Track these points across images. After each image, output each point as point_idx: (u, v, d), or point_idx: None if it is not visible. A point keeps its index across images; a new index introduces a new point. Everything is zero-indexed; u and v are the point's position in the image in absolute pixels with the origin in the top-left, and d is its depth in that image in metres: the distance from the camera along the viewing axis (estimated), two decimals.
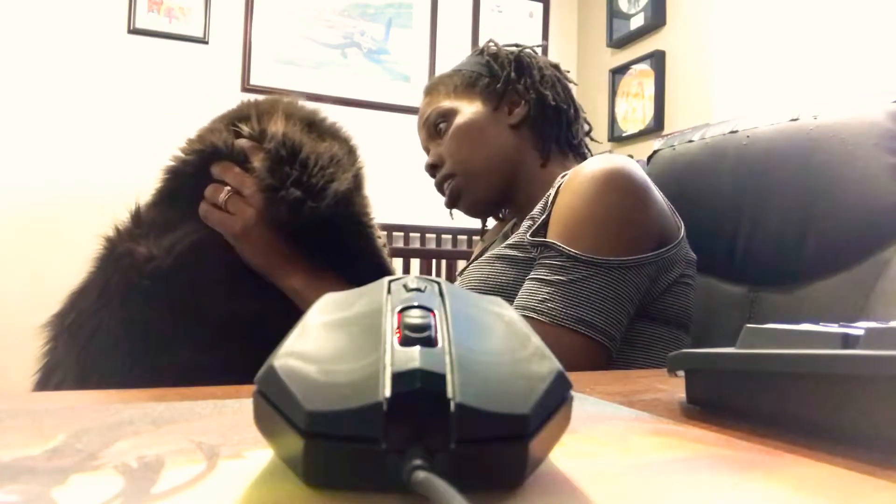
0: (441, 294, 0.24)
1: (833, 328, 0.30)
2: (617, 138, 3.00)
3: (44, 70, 2.49)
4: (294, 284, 0.68)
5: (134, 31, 2.61)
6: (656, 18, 2.81)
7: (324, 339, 0.22)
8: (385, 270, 0.73)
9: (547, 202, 0.80)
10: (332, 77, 2.84)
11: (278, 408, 0.20)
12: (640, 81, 2.91)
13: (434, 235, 2.92)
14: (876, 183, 0.78)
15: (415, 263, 2.49)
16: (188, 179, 0.69)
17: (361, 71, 2.95)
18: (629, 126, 2.93)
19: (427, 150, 0.99)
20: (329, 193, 0.66)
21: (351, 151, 0.74)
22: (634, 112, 2.92)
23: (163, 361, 0.60)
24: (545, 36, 3.22)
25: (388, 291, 0.24)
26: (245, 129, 0.70)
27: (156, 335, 0.61)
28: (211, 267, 0.67)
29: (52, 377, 0.64)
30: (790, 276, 0.86)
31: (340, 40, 2.92)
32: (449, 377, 0.20)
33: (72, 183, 2.49)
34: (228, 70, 2.76)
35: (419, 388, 0.19)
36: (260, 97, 0.78)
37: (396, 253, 2.32)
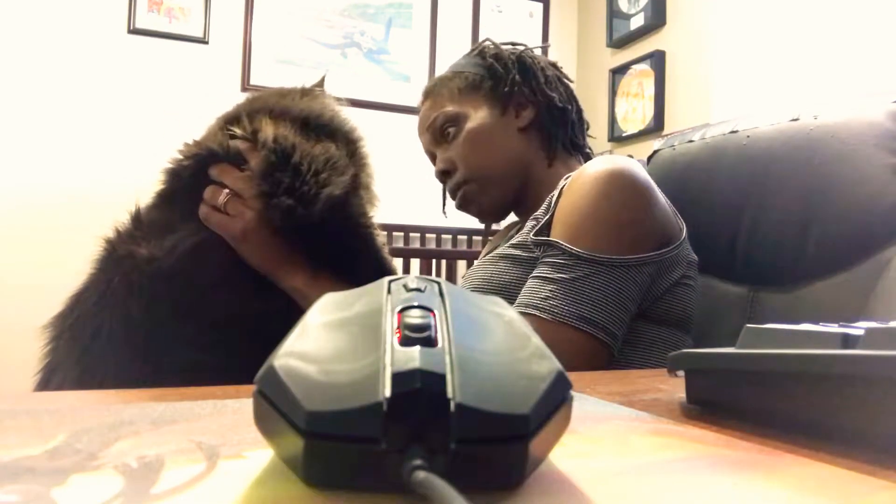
0: (441, 294, 0.24)
1: (833, 328, 0.30)
2: (617, 138, 3.00)
3: (44, 70, 2.49)
4: (295, 284, 0.68)
5: (134, 31, 2.61)
6: (656, 18, 2.81)
7: (324, 339, 0.22)
8: (385, 270, 0.73)
9: (550, 203, 0.81)
10: (333, 77, 2.84)
11: (278, 408, 0.20)
12: (640, 81, 2.91)
13: (434, 235, 2.92)
14: (876, 183, 0.78)
15: (415, 263, 2.49)
16: (187, 182, 0.69)
17: (361, 71, 2.95)
18: (629, 126, 2.93)
19: (430, 154, 0.99)
20: (321, 199, 0.66)
21: (353, 150, 0.74)
22: (634, 112, 2.92)
23: (164, 362, 0.60)
24: (545, 36, 3.22)
25: (388, 291, 0.24)
26: (237, 130, 0.70)
27: (157, 336, 0.62)
28: (212, 268, 0.67)
29: (54, 378, 0.64)
30: (790, 276, 0.86)
31: (340, 40, 2.92)
32: (449, 377, 0.20)
33: (72, 183, 2.49)
34: (228, 70, 2.76)
35: (419, 388, 0.19)
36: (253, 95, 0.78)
37: (396, 253, 2.32)
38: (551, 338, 0.67)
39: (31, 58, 2.48)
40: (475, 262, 0.98)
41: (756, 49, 2.52)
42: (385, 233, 0.77)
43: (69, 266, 0.74)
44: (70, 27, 2.52)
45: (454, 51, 3.17)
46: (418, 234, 2.88)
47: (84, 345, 0.62)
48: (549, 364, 0.22)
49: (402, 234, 2.80)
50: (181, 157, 0.71)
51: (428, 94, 0.99)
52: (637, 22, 2.93)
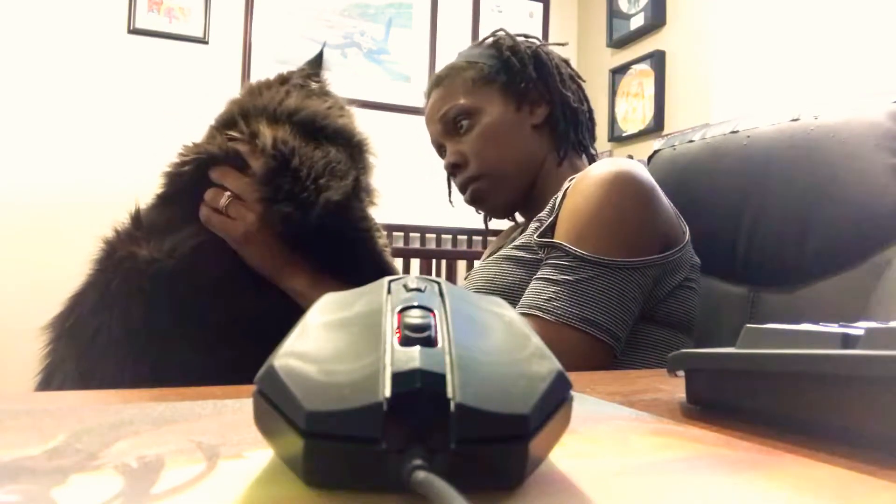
0: (441, 294, 0.24)
1: (833, 328, 0.30)
2: (617, 138, 3.00)
3: (44, 70, 2.49)
4: (297, 286, 0.68)
5: (134, 31, 2.62)
6: (656, 18, 2.81)
7: (324, 339, 0.22)
8: (387, 273, 0.73)
9: (554, 204, 0.81)
10: (333, 77, 2.84)
11: (278, 408, 0.20)
12: (640, 81, 2.91)
13: (434, 235, 2.92)
14: (876, 183, 0.78)
15: (415, 263, 2.49)
16: (187, 184, 0.69)
17: (361, 71, 2.95)
18: (629, 126, 2.94)
19: (438, 146, 0.98)
20: (320, 204, 0.66)
21: (355, 154, 0.73)
22: (634, 112, 2.92)
23: (164, 363, 0.60)
24: (545, 36, 3.22)
25: (388, 291, 0.24)
26: (236, 134, 0.70)
27: (157, 337, 0.62)
28: (212, 269, 0.67)
29: (54, 379, 0.64)
30: (790, 276, 0.85)
31: (340, 40, 2.92)
32: (449, 377, 0.20)
33: (72, 183, 2.49)
34: (228, 70, 2.76)
35: (419, 388, 0.19)
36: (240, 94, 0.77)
37: (396, 253, 2.32)
38: (554, 339, 0.68)
39: (32, 58, 2.48)
40: (477, 263, 0.98)
41: (756, 49, 2.52)
42: (385, 233, 0.77)
43: (69, 266, 0.74)
44: (70, 27, 2.52)
45: (454, 51, 3.17)
46: (418, 234, 2.88)
47: (84, 345, 0.62)
48: (548, 364, 0.22)
49: (402, 234, 2.80)
50: (181, 160, 0.71)
51: (439, 82, 0.96)
52: (637, 22, 2.93)
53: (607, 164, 0.78)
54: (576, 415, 0.24)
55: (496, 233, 1.16)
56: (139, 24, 2.62)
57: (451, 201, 1.06)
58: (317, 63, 0.83)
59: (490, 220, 1.05)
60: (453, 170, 0.94)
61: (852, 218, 0.80)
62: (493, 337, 0.23)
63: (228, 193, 0.68)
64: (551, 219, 0.79)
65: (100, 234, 0.68)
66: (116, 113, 2.57)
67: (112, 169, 2.52)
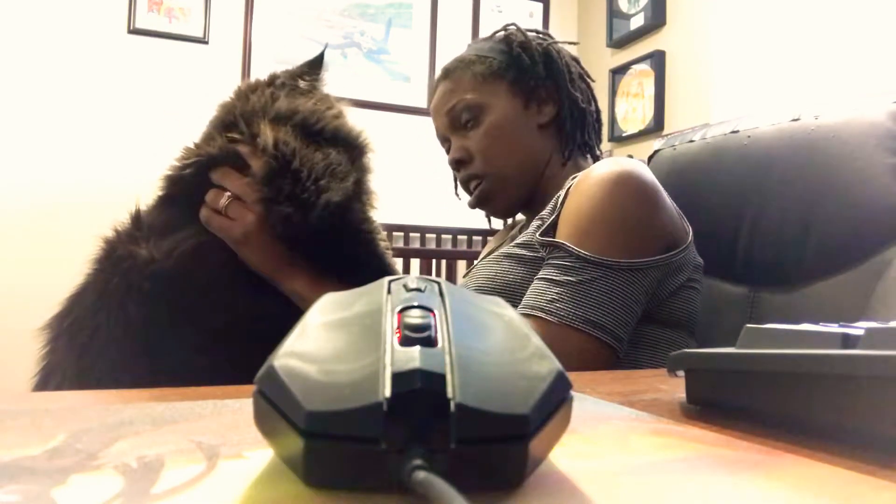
0: (441, 294, 0.24)
1: (833, 328, 0.30)
2: (617, 138, 3.00)
3: (44, 70, 2.49)
4: (297, 288, 0.68)
5: (134, 31, 2.61)
6: (656, 18, 2.81)
7: (324, 339, 0.22)
8: (388, 274, 0.73)
9: (556, 203, 0.80)
10: (333, 77, 2.84)
11: (278, 408, 0.20)
12: (640, 81, 2.91)
13: (434, 235, 2.92)
14: (877, 183, 0.78)
15: (415, 263, 2.49)
16: (188, 185, 0.69)
17: (361, 71, 2.95)
18: (629, 126, 2.93)
19: (443, 139, 0.97)
20: (320, 206, 0.66)
21: (355, 156, 0.73)
22: (634, 112, 2.92)
23: (162, 364, 0.60)
24: None
25: (388, 291, 0.24)
26: (237, 136, 0.70)
27: (156, 337, 0.61)
28: (211, 270, 0.67)
29: (51, 379, 0.63)
30: (791, 276, 0.85)
31: (340, 40, 2.92)
32: (449, 377, 0.20)
33: (72, 183, 2.49)
34: (228, 70, 2.76)
35: (419, 389, 0.19)
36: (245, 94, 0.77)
37: (396, 253, 2.32)
38: (557, 341, 0.68)
39: (32, 58, 2.48)
40: (475, 261, 0.98)
41: (756, 49, 2.51)
42: (385, 233, 0.77)
43: (69, 266, 0.74)
44: (70, 27, 2.52)
45: (454, 51, 3.17)
46: (418, 234, 2.88)
47: (82, 345, 0.62)
48: (549, 364, 0.22)
49: (402, 234, 2.80)
50: (181, 162, 0.71)
51: (447, 74, 0.95)
52: (637, 22, 2.93)
53: (610, 164, 0.78)
54: (576, 415, 0.24)
55: (495, 232, 1.15)
56: (139, 24, 2.62)
57: (457, 194, 1.05)
58: (316, 64, 0.82)
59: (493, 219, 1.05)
60: (457, 165, 0.94)
61: (852, 218, 0.80)
62: (493, 337, 0.23)
63: (228, 194, 0.68)
64: (553, 217, 0.79)
65: (100, 234, 0.68)
66: (116, 113, 2.57)
67: (112, 169, 2.52)
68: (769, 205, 0.89)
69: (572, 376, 0.22)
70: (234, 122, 0.71)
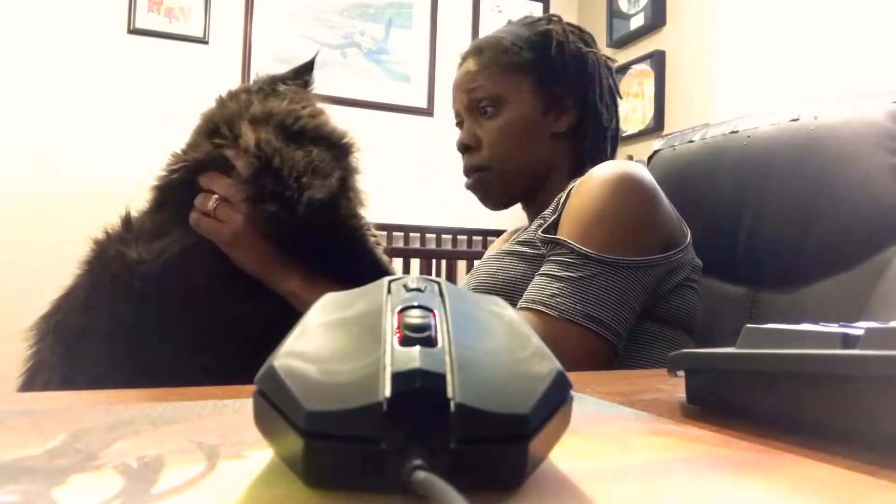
0: (441, 294, 0.24)
1: (833, 328, 0.30)
2: None
3: (44, 70, 2.49)
4: (290, 288, 0.68)
5: (134, 31, 2.62)
6: (656, 18, 2.81)
7: (324, 339, 0.22)
8: (381, 270, 0.73)
9: (558, 203, 0.81)
10: (332, 77, 2.84)
11: (278, 408, 0.20)
12: (640, 81, 2.91)
13: (434, 235, 2.92)
14: (876, 183, 0.78)
15: (415, 263, 2.49)
16: (176, 191, 0.69)
17: (361, 71, 2.95)
18: (629, 126, 2.93)
19: (457, 114, 0.96)
20: (303, 203, 0.66)
21: (339, 154, 0.73)
22: (634, 112, 2.92)
23: (150, 364, 0.60)
24: None
25: (388, 291, 0.24)
26: (222, 140, 0.70)
27: (144, 337, 0.61)
28: (201, 272, 0.68)
29: (38, 378, 0.63)
30: (791, 276, 0.86)
31: (340, 40, 2.92)
32: (449, 377, 0.20)
33: (72, 183, 2.49)
34: (228, 70, 2.76)
35: (419, 389, 0.19)
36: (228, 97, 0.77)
37: (396, 253, 2.32)
38: (557, 334, 0.68)
39: (32, 58, 2.48)
40: (476, 261, 0.98)
41: (756, 49, 2.51)
42: (385, 233, 0.77)
43: (68, 266, 0.74)
44: (70, 27, 2.52)
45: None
46: (418, 234, 2.88)
47: (69, 344, 0.62)
48: (549, 364, 0.22)
49: (401, 234, 2.80)
50: (169, 169, 0.71)
51: (478, 52, 0.92)
52: (637, 22, 2.93)
53: (611, 166, 0.79)
54: (576, 415, 0.24)
55: (497, 233, 1.15)
56: (139, 25, 2.62)
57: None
58: (304, 70, 0.82)
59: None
60: (464, 149, 0.93)
61: (852, 218, 0.80)
62: (493, 337, 0.23)
63: (216, 196, 0.68)
64: (555, 216, 0.80)
65: (91, 235, 0.68)
66: (116, 113, 2.57)
67: (112, 169, 2.52)
68: (769, 205, 0.89)
69: (572, 376, 0.22)
70: (216, 128, 0.71)
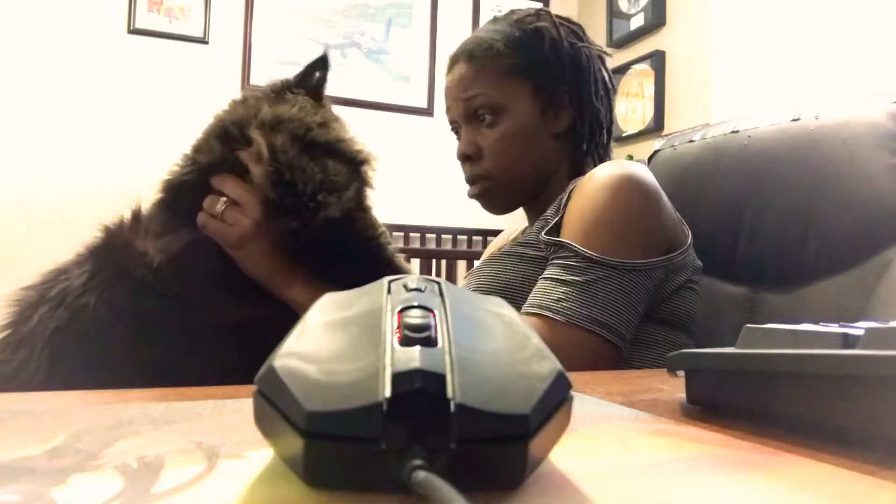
0: (441, 294, 0.24)
1: (833, 328, 0.30)
2: (617, 138, 3.00)
3: (44, 70, 2.49)
4: (294, 296, 0.67)
5: (134, 31, 2.62)
6: (656, 18, 2.81)
7: (324, 339, 0.22)
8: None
9: (560, 204, 0.81)
10: (332, 77, 2.83)
11: (278, 408, 0.20)
12: (640, 81, 2.91)
13: (434, 235, 2.92)
14: (877, 183, 0.78)
15: (415, 263, 2.49)
16: (187, 192, 0.69)
17: (361, 71, 2.95)
18: (629, 126, 2.94)
19: (452, 121, 0.93)
20: (319, 222, 0.66)
21: (353, 167, 0.72)
22: (634, 112, 2.92)
23: (145, 356, 0.59)
24: None
25: (388, 291, 0.24)
26: (235, 143, 0.70)
27: (143, 328, 0.61)
28: (204, 272, 0.68)
29: (19, 352, 0.60)
30: (791, 276, 0.85)
31: (340, 40, 2.92)
32: (449, 377, 0.20)
33: (72, 183, 2.49)
34: (228, 70, 2.76)
35: (419, 388, 0.19)
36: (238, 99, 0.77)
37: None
38: (564, 340, 0.68)
39: (32, 58, 2.48)
40: (476, 261, 0.98)
41: (756, 49, 2.51)
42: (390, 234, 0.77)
43: None
44: (70, 27, 2.52)
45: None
46: (418, 235, 2.88)
47: (63, 321, 0.60)
48: (549, 364, 0.22)
49: (401, 234, 2.80)
50: (182, 168, 0.71)
51: (469, 57, 0.89)
52: (637, 22, 2.93)
53: (613, 167, 0.79)
54: (576, 415, 0.24)
55: (497, 233, 1.15)
56: (139, 24, 2.62)
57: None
58: (318, 66, 0.80)
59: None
60: (464, 158, 0.91)
61: (853, 218, 0.80)
62: (493, 337, 0.23)
63: (225, 199, 0.68)
64: (557, 218, 0.80)
65: (99, 224, 0.68)
66: (116, 113, 2.57)
67: (112, 169, 2.52)
68: (769, 205, 0.89)
69: (572, 376, 0.22)
70: (226, 130, 0.71)
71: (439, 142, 2.92)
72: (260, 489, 0.21)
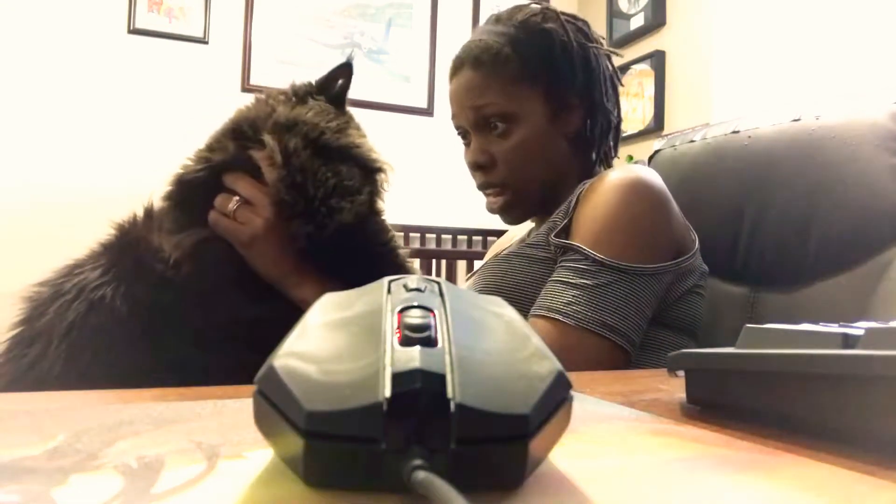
0: (441, 294, 0.24)
1: (833, 328, 0.30)
2: None
3: (44, 70, 2.49)
4: (303, 296, 0.67)
5: (134, 31, 2.62)
6: (656, 18, 2.81)
7: (324, 339, 0.22)
8: None
9: (569, 207, 0.80)
10: None
11: (278, 408, 0.20)
12: (640, 81, 2.91)
13: (434, 235, 2.92)
14: (877, 184, 0.78)
15: (415, 263, 2.49)
16: (198, 189, 0.69)
17: (361, 71, 2.95)
18: (629, 126, 2.93)
19: (459, 127, 0.91)
20: (331, 227, 0.66)
21: (367, 175, 0.72)
22: (634, 112, 2.92)
23: (164, 351, 0.59)
24: None
25: (388, 291, 0.24)
26: (249, 142, 0.70)
27: (160, 323, 0.61)
28: (220, 269, 0.68)
29: (34, 346, 0.60)
30: (791, 276, 0.85)
31: (340, 40, 2.92)
32: (449, 377, 0.20)
33: (72, 183, 2.49)
34: (228, 70, 2.76)
35: (419, 388, 0.19)
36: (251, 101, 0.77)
37: None
38: (574, 343, 0.68)
39: (32, 58, 2.48)
40: (477, 263, 0.97)
41: (756, 49, 2.51)
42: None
43: None
44: (70, 27, 2.53)
45: (454, 51, 3.17)
46: (418, 235, 2.88)
47: (79, 314, 0.60)
48: (549, 364, 0.22)
49: (402, 234, 2.80)
50: (194, 165, 0.70)
51: (477, 64, 0.85)
52: (637, 22, 2.93)
53: (623, 171, 0.79)
54: (576, 415, 0.24)
55: (497, 233, 1.15)
56: (139, 24, 2.62)
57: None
58: (342, 74, 0.79)
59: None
60: (476, 168, 0.89)
61: (853, 218, 0.80)
62: (493, 337, 0.23)
63: (237, 198, 0.68)
64: (565, 221, 0.79)
65: (99, 234, 0.68)
66: (116, 113, 2.57)
67: (112, 169, 2.52)
68: (770, 205, 0.89)
69: (572, 376, 0.22)
70: (240, 129, 0.71)
71: (439, 142, 2.92)
72: (260, 489, 0.21)
